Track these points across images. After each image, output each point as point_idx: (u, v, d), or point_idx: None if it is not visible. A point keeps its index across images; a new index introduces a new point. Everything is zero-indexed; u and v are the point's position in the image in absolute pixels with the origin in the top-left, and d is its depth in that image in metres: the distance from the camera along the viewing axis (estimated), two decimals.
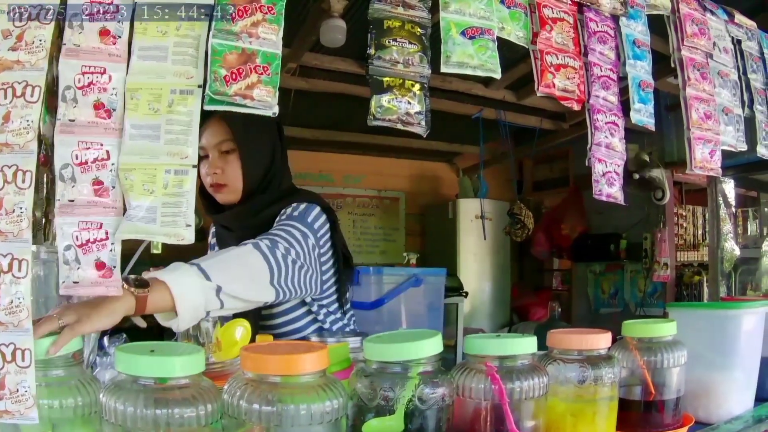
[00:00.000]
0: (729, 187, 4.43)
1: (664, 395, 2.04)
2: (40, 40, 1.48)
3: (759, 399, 2.52)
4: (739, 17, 2.96)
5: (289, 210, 2.45)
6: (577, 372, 1.78)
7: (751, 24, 3.03)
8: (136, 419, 1.19)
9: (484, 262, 8.21)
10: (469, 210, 8.14)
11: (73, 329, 1.46)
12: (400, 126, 1.88)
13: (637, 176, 6.37)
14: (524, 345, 1.63)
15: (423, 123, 1.92)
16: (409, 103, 1.89)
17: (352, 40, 4.17)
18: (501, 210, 8.12)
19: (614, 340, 2.01)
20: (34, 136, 1.43)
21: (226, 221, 2.59)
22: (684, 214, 7.22)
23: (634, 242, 7.17)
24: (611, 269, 7.61)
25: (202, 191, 2.57)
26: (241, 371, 1.32)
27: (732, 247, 4.53)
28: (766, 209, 4.56)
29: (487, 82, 5.62)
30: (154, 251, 3.20)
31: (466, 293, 6.86)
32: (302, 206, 2.44)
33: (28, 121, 1.43)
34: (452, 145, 8.48)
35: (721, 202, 4.90)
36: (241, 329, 1.79)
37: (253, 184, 2.51)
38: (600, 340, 1.83)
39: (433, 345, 1.50)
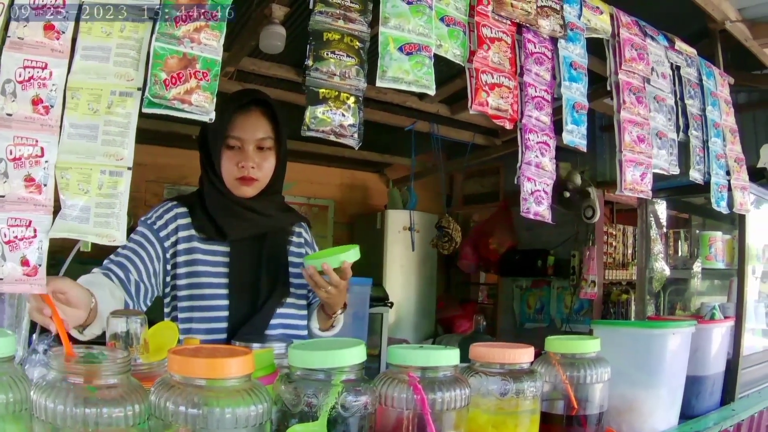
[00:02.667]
0: (661, 208, 4.54)
1: (586, 410, 2.10)
2: None
3: (685, 416, 2.64)
4: (680, 44, 3.07)
5: (311, 239, 2.85)
6: (499, 385, 1.83)
7: (691, 51, 3.14)
8: (65, 418, 1.23)
9: (411, 273, 8.32)
10: (397, 221, 8.26)
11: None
12: (333, 137, 1.92)
13: (568, 194, 6.54)
14: (447, 357, 1.68)
15: (356, 135, 1.96)
16: (344, 115, 1.93)
17: (291, 47, 4.27)
18: (429, 222, 8.25)
19: (539, 355, 2.10)
20: None
21: (254, 217, 2.59)
22: (614, 233, 7.39)
23: (562, 259, 7.34)
24: (538, 285, 7.76)
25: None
26: (168, 373, 1.35)
27: (662, 267, 4.64)
28: (696, 231, 4.70)
29: (421, 95, 5.69)
30: (83, 249, 3.20)
31: (392, 303, 6.94)
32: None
33: None
34: (383, 155, 8.59)
35: (653, 222, 5.01)
36: (169, 331, 1.82)
37: (274, 184, 2.63)
38: (522, 355, 1.88)
39: (357, 354, 1.54)
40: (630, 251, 7.43)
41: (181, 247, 2.50)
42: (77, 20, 1.59)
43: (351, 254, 2.34)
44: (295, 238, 2.77)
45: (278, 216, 2.71)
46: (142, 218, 2.52)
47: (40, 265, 1.51)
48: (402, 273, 8.18)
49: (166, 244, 2.49)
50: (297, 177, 8.49)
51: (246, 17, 4.29)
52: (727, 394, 3.19)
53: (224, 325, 2.46)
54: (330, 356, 1.51)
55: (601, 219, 6.75)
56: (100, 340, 1.85)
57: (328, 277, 2.35)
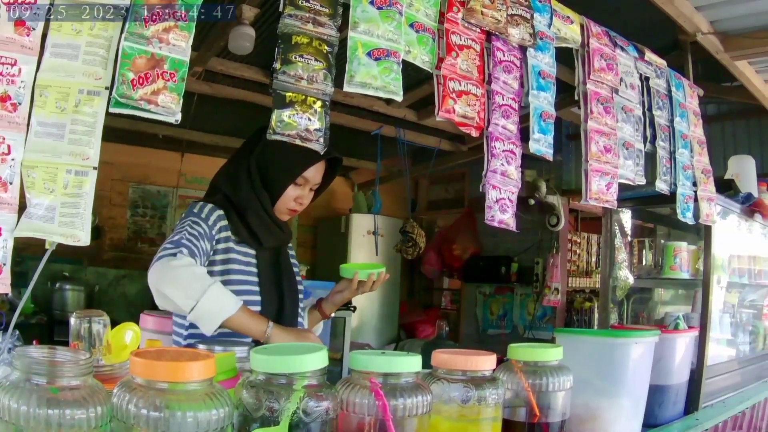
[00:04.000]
0: (626, 217, 4.59)
1: (549, 418, 2.13)
2: None
3: (648, 425, 2.68)
4: (650, 55, 3.11)
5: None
6: (461, 392, 1.84)
7: (661, 62, 3.18)
8: (29, 418, 1.24)
9: None
10: (361, 225, 8.32)
11: None
12: (298, 141, 1.95)
13: (532, 202, 6.60)
14: (409, 363, 1.69)
15: (321, 140, 1.99)
16: (310, 119, 1.95)
17: (260, 48, 4.30)
18: (394, 227, 8.29)
19: (501, 361, 2.11)
20: None
21: (279, 234, 2.85)
22: (578, 241, 7.50)
23: (525, 266, 7.44)
24: (501, 291, 7.86)
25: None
26: (130, 376, 1.36)
27: (626, 276, 4.68)
28: (661, 241, 4.75)
29: (389, 99, 5.71)
30: (47, 247, 3.20)
31: (354, 308, 6.96)
32: None
33: None
34: (349, 159, 8.61)
35: (617, 231, 5.06)
36: (131, 333, 1.83)
37: None
38: (485, 362, 1.89)
39: (319, 359, 1.55)
40: (594, 259, 7.52)
41: (219, 246, 2.68)
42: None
43: (381, 269, 2.78)
44: (290, 251, 3.07)
45: (289, 233, 2.98)
46: (194, 211, 2.67)
47: (4, 264, 1.53)
48: None
49: (213, 242, 2.65)
50: None
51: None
52: (691, 404, 3.23)
53: (257, 309, 2.61)
54: (292, 361, 1.52)
55: (566, 227, 6.84)
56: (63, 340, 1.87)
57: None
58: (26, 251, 1.70)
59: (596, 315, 6.51)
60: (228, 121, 7.03)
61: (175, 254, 2.37)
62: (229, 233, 2.70)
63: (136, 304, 7.08)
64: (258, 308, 2.63)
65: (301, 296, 2.97)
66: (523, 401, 2.11)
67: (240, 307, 2.36)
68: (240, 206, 2.74)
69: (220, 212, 2.70)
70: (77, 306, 6.91)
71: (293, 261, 3.06)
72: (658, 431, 2.73)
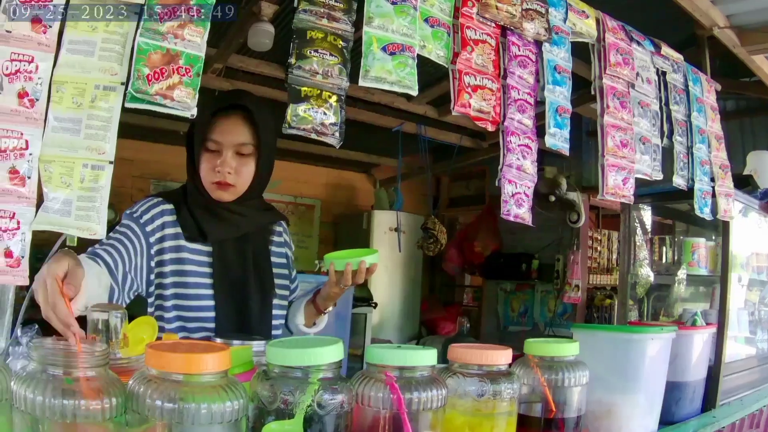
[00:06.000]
0: (647, 214, 4.57)
1: (564, 413, 2.13)
2: None
3: (665, 422, 2.65)
4: (666, 50, 3.10)
5: (289, 239, 2.89)
6: (476, 386, 1.85)
7: (677, 57, 3.17)
8: (44, 408, 1.26)
9: (396, 274, 8.35)
10: (383, 222, 8.29)
11: None
12: (314, 136, 1.95)
13: (553, 198, 6.55)
14: (424, 357, 1.70)
15: (337, 134, 2.00)
16: (325, 113, 1.96)
17: (279, 45, 4.29)
18: (415, 224, 8.27)
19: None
20: None
21: (235, 220, 2.59)
22: (599, 238, 7.43)
23: (546, 263, 7.40)
24: (522, 288, 7.83)
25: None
26: (145, 368, 1.38)
27: (647, 273, 4.67)
28: (680, 237, 4.73)
29: (409, 96, 5.69)
30: (70, 244, 3.21)
31: (375, 304, 6.97)
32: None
33: None
34: (370, 156, 8.65)
35: (638, 228, 5.02)
36: (148, 327, 1.85)
37: (254, 190, 2.60)
38: (500, 356, 1.90)
39: (334, 352, 1.56)
40: (615, 256, 7.46)
41: (167, 244, 2.47)
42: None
43: (371, 258, 2.44)
44: (275, 237, 2.80)
45: (258, 216, 2.71)
46: (128, 211, 2.49)
47: (23, 257, 1.55)
48: (387, 274, 8.19)
49: (151, 239, 2.45)
50: (284, 176, 8.53)
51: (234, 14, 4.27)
52: (708, 401, 3.22)
53: (212, 324, 2.48)
54: (307, 354, 1.53)
55: (586, 224, 6.79)
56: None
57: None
58: (47, 246, 1.71)
59: (616, 312, 6.46)
60: None
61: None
62: (178, 229, 2.50)
63: None
64: (212, 313, 2.48)
65: (285, 292, 2.79)
66: (539, 396, 2.11)
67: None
68: (186, 196, 2.56)
69: (167, 206, 2.53)
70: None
71: (279, 250, 2.82)
72: (674, 428, 2.72)
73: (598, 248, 7.43)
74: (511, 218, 2.37)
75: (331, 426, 1.52)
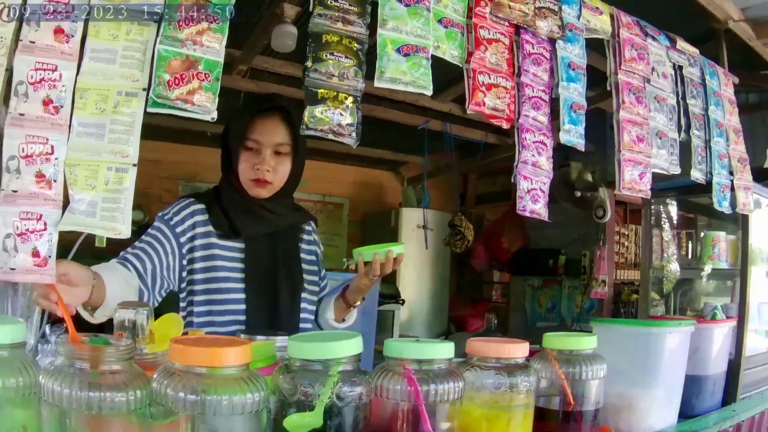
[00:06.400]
0: (673, 209, 4.56)
1: (582, 406, 2.14)
2: (1, 38, 1.61)
3: (685, 416, 2.65)
4: (682, 44, 3.10)
5: (318, 238, 3.01)
6: (493, 379, 1.87)
7: (693, 51, 3.17)
8: (71, 401, 1.31)
9: (424, 271, 8.35)
10: (411, 219, 8.29)
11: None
12: (331, 136, 1.99)
13: (578, 194, 6.53)
14: (441, 350, 1.74)
15: (354, 134, 2.03)
16: (342, 114, 2.00)
17: (302, 46, 4.25)
18: (443, 221, 8.27)
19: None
20: None
21: (268, 217, 2.72)
22: (626, 233, 7.41)
23: (573, 258, 7.37)
24: (549, 284, 7.79)
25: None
26: (169, 362, 1.42)
27: (676, 269, 4.66)
28: (703, 232, 4.71)
29: (433, 94, 5.72)
30: (98, 245, 3.27)
31: (403, 301, 6.98)
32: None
33: None
34: (397, 154, 8.65)
35: (666, 223, 4.99)
36: (174, 322, 1.89)
37: (288, 188, 2.74)
38: (517, 350, 1.93)
39: (353, 345, 1.60)
40: (641, 251, 7.43)
41: (198, 242, 2.60)
42: (86, 24, 1.68)
43: (397, 248, 2.64)
44: (305, 236, 2.92)
45: (290, 215, 2.84)
46: (160, 214, 2.62)
47: (50, 257, 1.60)
48: (415, 271, 8.20)
49: (182, 239, 2.58)
50: (312, 175, 8.57)
51: (257, 16, 4.35)
52: (729, 395, 3.21)
53: (242, 317, 2.59)
54: (327, 348, 1.57)
55: (612, 219, 6.73)
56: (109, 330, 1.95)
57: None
58: (78, 249, 1.77)
59: (649, 308, 6.43)
60: None
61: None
62: (209, 227, 2.63)
63: None
64: (242, 306, 2.60)
65: (314, 288, 2.89)
66: (557, 390, 2.13)
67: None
68: (220, 196, 2.70)
69: (198, 206, 2.66)
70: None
71: (309, 248, 2.94)
72: (694, 422, 2.71)
73: (626, 243, 7.39)
74: (527, 213, 2.38)
75: (350, 417, 1.55)
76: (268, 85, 5.52)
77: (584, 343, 2.19)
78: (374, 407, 1.67)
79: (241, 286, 2.61)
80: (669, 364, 2.48)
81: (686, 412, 2.70)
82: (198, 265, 2.60)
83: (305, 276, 2.84)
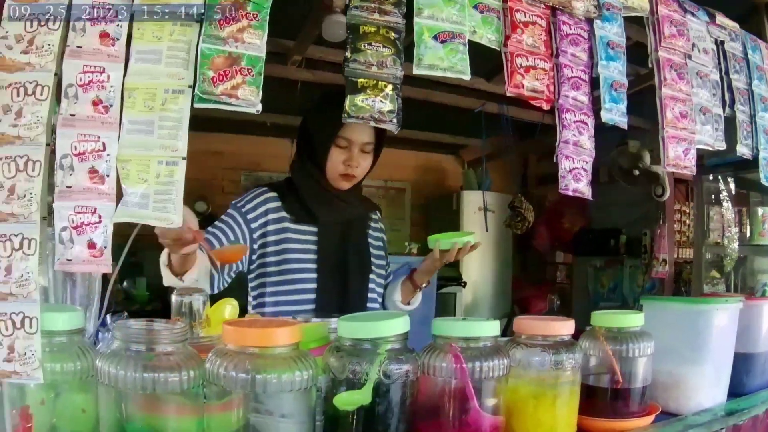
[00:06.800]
0: (732, 187, 4.50)
1: (630, 384, 2.15)
2: (49, 45, 1.70)
3: (735, 394, 2.60)
4: (721, 19, 3.05)
5: (383, 226, 3.20)
6: (539, 356, 1.89)
7: (733, 25, 3.12)
8: (126, 382, 1.38)
9: (486, 253, 8.31)
10: (472, 202, 8.25)
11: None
12: (372, 123, 2.04)
13: (637, 172, 6.42)
14: (487, 328, 1.77)
15: (395, 121, 2.06)
16: (382, 102, 2.03)
17: None
18: (504, 203, 8.20)
19: None
20: (43, 130, 1.65)
21: (342, 207, 2.90)
22: (687, 211, 7.21)
23: (633, 238, 7.24)
24: (611, 264, 7.70)
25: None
26: (222, 344, 1.49)
27: (736, 247, 4.60)
28: (757, 209, 4.62)
29: (489, 76, 5.70)
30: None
31: (465, 283, 6.97)
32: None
33: (38, 116, 1.66)
34: (457, 137, 8.61)
35: (727, 200, 4.94)
36: (229, 307, 1.96)
37: (362, 180, 2.97)
38: (562, 327, 1.95)
39: (400, 324, 1.65)
40: (704, 229, 7.29)
41: (271, 228, 2.77)
42: (130, 27, 1.76)
43: (471, 237, 2.86)
44: (373, 224, 3.11)
45: (360, 205, 3.04)
46: (233, 202, 2.82)
47: (105, 248, 1.67)
48: (477, 253, 7.99)
49: (254, 225, 2.74)
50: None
51: (307, 7, 4.39)
52: None
53: (312, 296, 2.75)
54: (375, 327, 1.62)
55: (671, 197, 6.57)
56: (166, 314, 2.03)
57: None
58: (141, 242, 1.83)
59: (704, 285, 6.30)
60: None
61: None
62: (283, 213, 2.80)
63: None
64: (312, 285, 2.74)
65: (381, 272, 3.03)
66: (605, 368, 2.14)
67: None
68: (297, 185, 2.82)
69: (271, 194, 2.82)
70: None
71: (376, 234, 3.11)
72: (742, 400, 2.63)
73: (687, 221, 7.22)
74: (570, 192, 2.39)
75: (398, 394, 1.60)
76: (324, 74, 5.53)
77: (632, 320, 2.19)
78: (423, 385, 1.71)
79: (314, 266, 2.76)
80: (717, 341, 2.44)
81: (736, 391, 2.64)
82: (270, 249, 2.76)
83: (373, 260, 2.99)
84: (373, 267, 2.98)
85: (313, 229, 2.81)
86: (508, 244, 8.59)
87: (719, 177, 5.76)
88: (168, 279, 2.37)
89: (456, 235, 2.90)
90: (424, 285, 3.10)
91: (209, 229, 2.69)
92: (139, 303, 7.10)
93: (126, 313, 2.12)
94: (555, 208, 8.32)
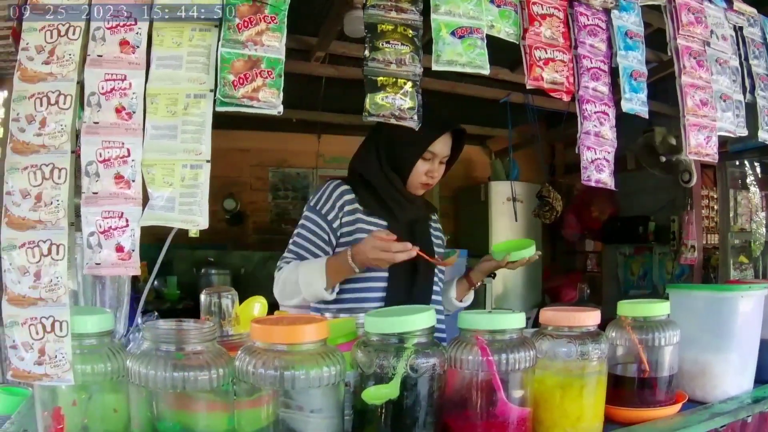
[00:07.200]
0: (759, 171, 4.43)
1: (657, 373, 2.15)
2: (70, 54, 1.72)
3: (762, 382, 2.57)
4: (739, 4, 3.02)
5: (441, 226, 3.29)
6: (566, 347, 1.89)
7: (751, 11, 3.08)
8: (157, 381, 1.40)
9: None
10: (501, 192, 8.14)
11: None
12: (393, 121, 2.04)
13: (664, 159, 6.33)
14: (512, 320, 1.77)
15: (415, 117, 2.06)
16: (402, 99, 2.03)
17: None
18: (533, 192, 8.04)
19: None
20: (67, 139, 1.67)
21: (412, 209, 2.98)
22: (715, 196, 7.06)
23: (662, 225, 7.11)
24: (640, 251, 7.57)
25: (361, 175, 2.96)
26: (251, 341, 1.50)
27: (764, 231, 4.54)
28: None
29: (513, 67, 5.66)
30: (192, 234, 3.40)
31: (494, 274, 6.94)
32: None
33: (62, 125, 1.68)
34: (483, 128, 8.55)
35: (756, 186, 4.86)
36: (258, 305, 1.98)
37: None
38: (588, 318, 1.94)
39: (426, 318, 1.65)
40: (732, 214, 7.21)
41: (345, 219, 2.84)
42: (149, 34, 1.77)
43: (531, 250, 2.92)
44: (433, 224, 3.21)
45: (426, 206, 3.16)
46: (311, 204, 2.90)
47: (133, 251, 1.68)
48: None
49: (335, 224, 2.83)
50: None
51: (329, 4, 4.37)
52: None
53: (382, 285, 2.83)
54: (401, 322, 1.62)
55: (699, 183, 6.47)
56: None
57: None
58: (193, 240, 1.85)
59: (732, 271, 6.20)
60: (358, 100, 6.86)
61: (278, 271, 2.74)
62: (356, 206, 2.86)
63: None
64: (384, 274, 2.80)
65: (440, 268, 3.07)
66: (633, 357, 2.14)
67: (325, 270, 2.60)
68: (375, 186, 2.89)
69: (345, 187, 2.88)
70: None
71: (437, 233, 3.19)
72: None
73: (714, 207, 7.10)
74: (592, 183, 2.37)
75: (426, 388, 1.61)
76: (347, 70, 5.51)
77: (657, 309, 2.19)
78: (450, 378, 1.71)
79: None
80: (742, 328, 2.42)
81: (763, 378, 2.60)
82: (343, 240, 2.83)
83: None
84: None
85: (384, 223, 2.87)
86: (537, 233, 8.44)
87: (745, 162, 5.70)
88: (316, 293, 2.59)
89: (518, 244, 3.01)
90: (478, 283, 3.24)
91: (299, 241, 2.82)
92: (170, 301, 7.15)
93: (156, 313, 2.14)
94: (583, 197, 8.20)
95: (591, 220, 7.98)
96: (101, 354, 1.58)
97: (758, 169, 4.52)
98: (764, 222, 5.55)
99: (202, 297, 2.08)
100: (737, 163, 5.70)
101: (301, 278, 2.57)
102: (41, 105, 1.68)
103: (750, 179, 5.79)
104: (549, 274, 8.63)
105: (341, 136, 7.85)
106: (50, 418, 1.56)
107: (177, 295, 7.28)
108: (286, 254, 2.83)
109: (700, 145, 2.63)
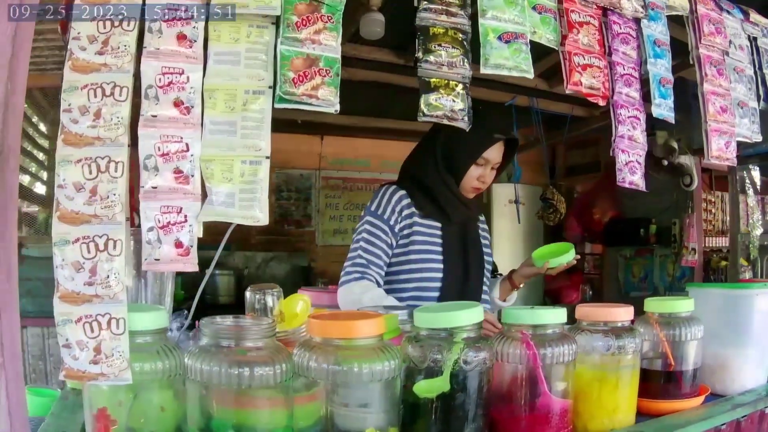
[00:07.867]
0: (756, 174, 4.37)
1: (682, 367, 2.12)
2: (125, 46, 1.58)
3: None
4: (755, 16, 2.99)
5: (487, 227, 3.25)
6: (602, 342, 1.87)
7: (766, 22, 3.05)
8: (219, 377, 1.29)
9: (518, 245, 8.05)
10: (503, 194, 7.99)
11: None
12: (445, 121, 1.96)
13: (666, 162, 6.25)
14: (555, 315, 1.74)
15: (465, 118, 2.00)
16: (453, 101, 1.97)
17: (389, 31, 4.16)
18: (534, 195, 7.95)
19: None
20: (125, 131, 1.53)
21: (464, 210, 2.93)
22: (713, 200, 7.03)
23: (663, 227, 7.02)
24: (641, 253, 7.46)
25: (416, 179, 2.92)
26: (308, 336, 1.43)
27: (759, 234, 4.48)
28: None
29: None
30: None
31: (501, 274, 6.87)
32: None
33: (118, 117, 1.53)
34: None
35: (750, 189, 4.81)
36: (301, 303, 1.88)
37: None
38: (623, 313, 1.92)
39: (476, 313, 1.59)
40: (729, 218, 7.11)
41: (403, 223, 2.80)
42: (206, 27, 1.67)
43: (571, 255, 3.00)
44: (481, 225, 3.17)
45: (476, 208, 3.07)
46: (372, 209, 2.85)
47: (191, 247, 1.57)
48: (509, 245, 7.92)
49: (396, 228, 2.80)
50: (403, 155, 8.44)
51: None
52: None
53: (437, 284, 2.80)
54: (452, 317, 1.57)
55: (699, 186, 6.41)
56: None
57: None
58: (200, 241, 1.75)
59: (738, 272, 6.16)
60: (364, 102, 6.79)
61: (356, 278, 2.67)
62: (413, 209, 2.82)
63: (286, 284, 6.97)
64: (439, 275, 2.78)
65: (488, 267, 3.07)
66: (659, 352, 2.12)
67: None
68: (428, 187, 2.84)
69: (402, 192, 2.84)
70: (227, 290, 7.08)
71: (484, 234, 3.16)
72: None
73: (713, 210, 7.01)
74: (627, 185, 2.33)
75: (475, 381, 1.55)
76: (357, 72, 5.36)
77: (683, 306, 2.17)
78: (495, 371, 1.67)
79: (439, 257, 2.82)
80: (759, 324, 2.40)
81: None
82: (402, 241, 2.81)
83: (485, 257, 3.07)
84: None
85: (438, 224, 2.84)
86: (538, 235, 8.35)
87: (743, 167, 5.62)
88: None
89: (557, 249, 3.05)
90: (521, 285, 3.23)
91: (369, 248, 2.76)
92: (176, 301, 6.95)
93: (186, 311, 2.10)
94: (585, 199, 8.11)
95: (593, 222, 7.87)
96: (155, 352, 1.45)
97: (753, 172, 4.45)
98: (759, 224, 5.49)
99: (247, 294, 2.01)
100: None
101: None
102: (95, 96, 1.54)
103: (748, 183, 5.73)
104: (550, 276, 8.49)
105: (345, 137, 7.80)
106: (98, 419, 1.43)
107: (182, 295, 7.18)
108: (356, 259, 2.75)
109: (720, 149, 2.60)
